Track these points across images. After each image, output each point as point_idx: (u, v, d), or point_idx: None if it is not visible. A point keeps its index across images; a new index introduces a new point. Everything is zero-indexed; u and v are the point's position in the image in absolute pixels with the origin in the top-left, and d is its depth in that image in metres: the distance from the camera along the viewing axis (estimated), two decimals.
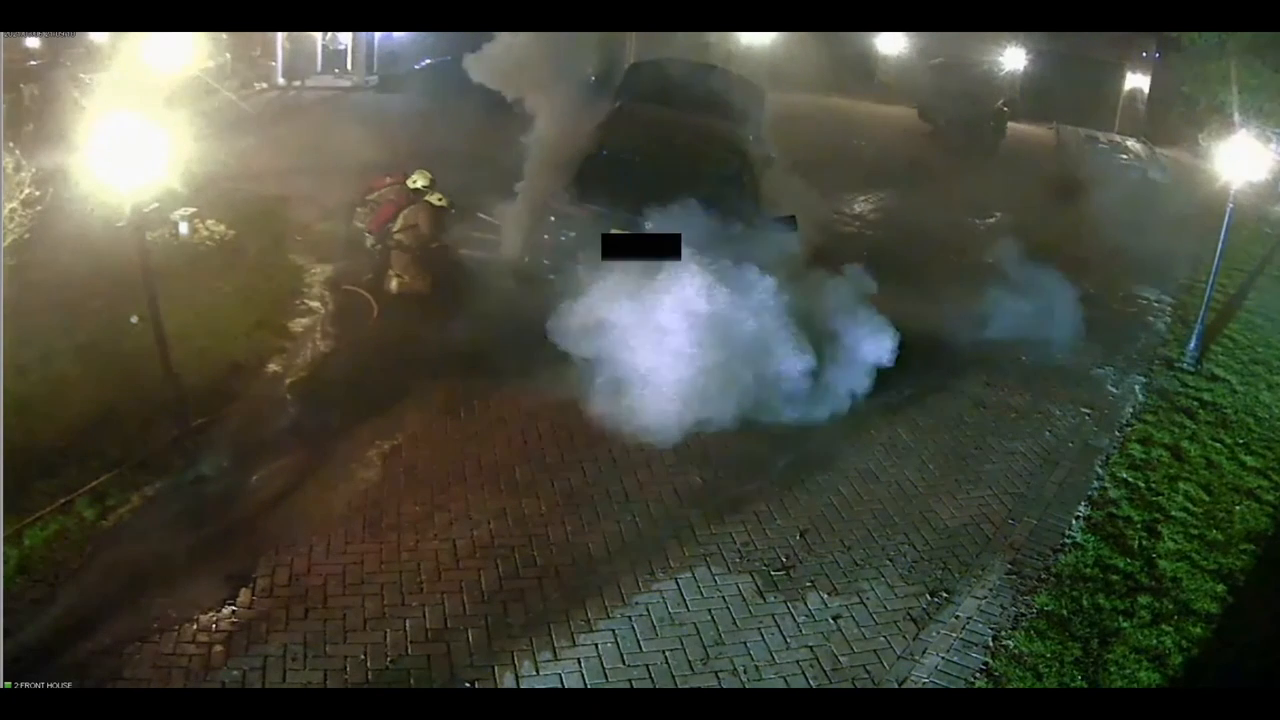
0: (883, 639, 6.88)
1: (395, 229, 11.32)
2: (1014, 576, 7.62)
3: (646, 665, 6.48)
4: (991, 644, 6.89)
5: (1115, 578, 7.66)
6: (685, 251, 9.05)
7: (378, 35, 22.65)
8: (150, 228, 9.84)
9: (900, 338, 9.70)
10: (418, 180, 11.52)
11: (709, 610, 6.99)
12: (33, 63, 14.78)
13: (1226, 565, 7.95)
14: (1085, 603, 7.34)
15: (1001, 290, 11.89)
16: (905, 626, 7.01)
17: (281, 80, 21.55)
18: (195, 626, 6.40)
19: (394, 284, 11.31)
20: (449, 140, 14.18)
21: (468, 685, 6.17)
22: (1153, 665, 6.77)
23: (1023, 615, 7.18)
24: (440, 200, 11.43)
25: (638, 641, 6.66)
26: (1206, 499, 8.88)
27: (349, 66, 22.88)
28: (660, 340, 8.87)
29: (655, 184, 10.37)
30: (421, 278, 11.28)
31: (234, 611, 6.59)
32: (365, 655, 6.34)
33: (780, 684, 6.41)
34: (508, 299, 10.68)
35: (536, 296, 9.89)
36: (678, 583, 7.23)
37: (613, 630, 6.72)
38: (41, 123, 12.70)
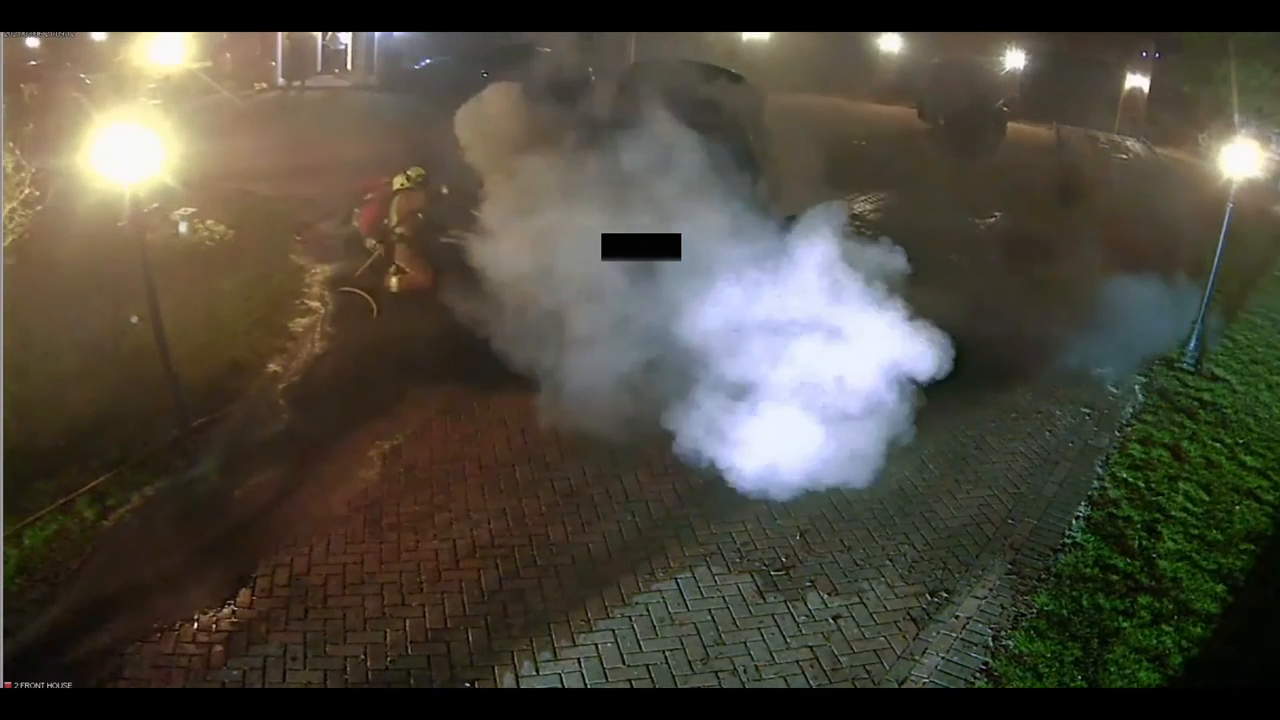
0: (883, 639, 6.87)
1: (394, 223, 11.33)
2: (1014, 576, 7.61)
3: (646, 665, 6.47)
4: (991, 644, 6.88)
5: (1115, 578, 7.65)
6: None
7: (378, 35, 22.68)
8: (150, 228, 9.86)
9: None
10: (403, 181, 11.56)
11: (709, 610, 6.99)
12: (33, 63, 14.82)
13: (1226, 565, 7.93)
14: (1085, 603, 7.33)
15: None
16: (905, 626, 7.00)
17: (281, 80, 21.59)
18: (195, 626, 6.41)
19: (394, 282, 11.32)
20: (448, 139, 14.17)
21: (468, 685, 6.18)
22: (1153, 665, 6.76)
23: (1023, 615, 7.18)
24: (414, 178, 11.45)
25: (638, 641, 6.65)
26: (1206, 499, 8.87)
27: (349, 66, 22.93)
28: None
29: None
30: (425, 271, 11.27)
31: (234, 611, 6.59)
32: (365, 655, 6.34)
33: (780, 684, 6.41)
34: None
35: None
36: (678, 583, 7.23)
37: (613, 630, 6.72)
38: (41, 123, 12.73)
